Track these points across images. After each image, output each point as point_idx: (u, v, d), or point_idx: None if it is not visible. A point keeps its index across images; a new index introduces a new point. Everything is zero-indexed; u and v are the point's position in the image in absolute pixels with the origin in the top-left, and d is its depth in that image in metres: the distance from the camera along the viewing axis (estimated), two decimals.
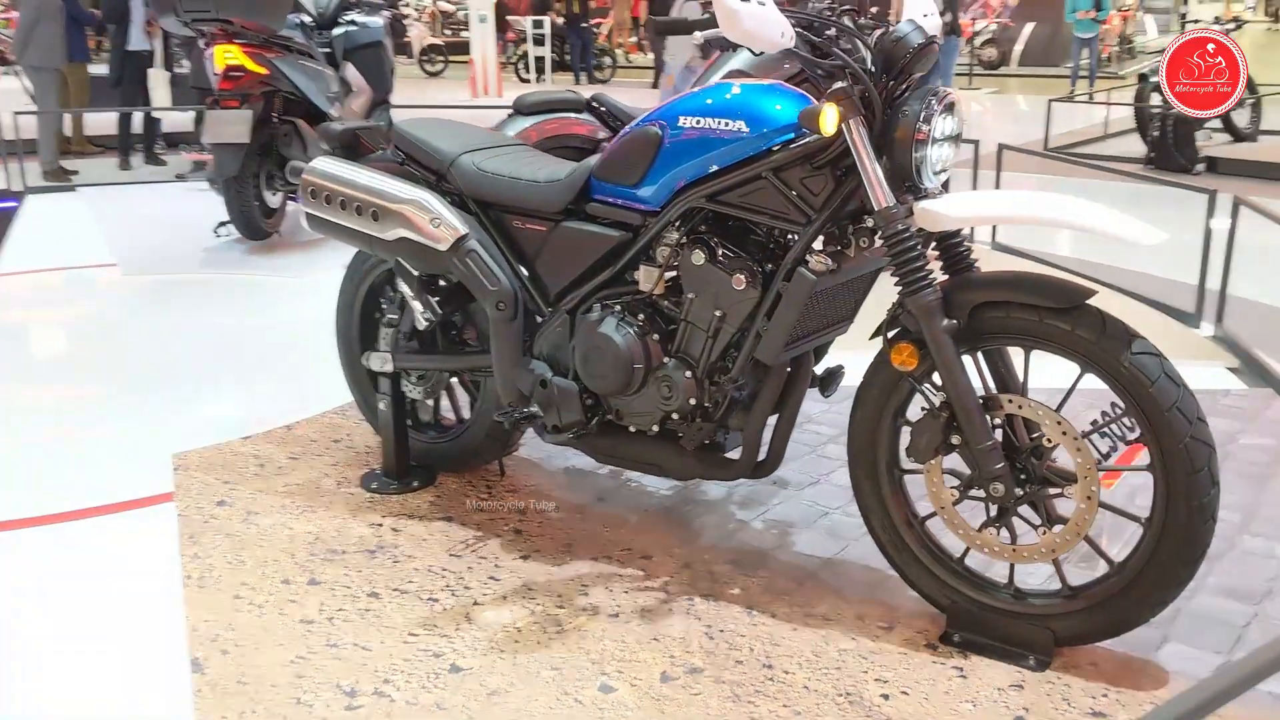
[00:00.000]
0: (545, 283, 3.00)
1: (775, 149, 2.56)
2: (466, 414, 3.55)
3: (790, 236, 2.70)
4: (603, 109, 5.16)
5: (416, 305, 3.12)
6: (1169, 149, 10.39)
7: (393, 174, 3.16)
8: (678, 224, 2.75)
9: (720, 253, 2.68)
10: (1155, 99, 11.43)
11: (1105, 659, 2.50)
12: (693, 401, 2.77)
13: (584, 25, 20.13)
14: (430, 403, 3.56)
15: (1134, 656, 2.51)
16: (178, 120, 10.51)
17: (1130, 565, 2.41)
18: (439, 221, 3.00)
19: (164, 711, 2.38)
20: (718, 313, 2.68)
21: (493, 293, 2.97)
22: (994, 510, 2.54)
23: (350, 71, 7.44)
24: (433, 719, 2.32)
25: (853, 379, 2.83)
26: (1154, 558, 2.36)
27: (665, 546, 3.05)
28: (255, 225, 6.48)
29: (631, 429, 2.92)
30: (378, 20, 7.56)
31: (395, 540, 3.09)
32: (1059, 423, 2.41)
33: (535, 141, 4.73)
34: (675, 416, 2.82)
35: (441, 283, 3.20)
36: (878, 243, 2.57)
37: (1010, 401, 2.47)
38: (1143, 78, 11.98)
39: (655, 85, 18.33)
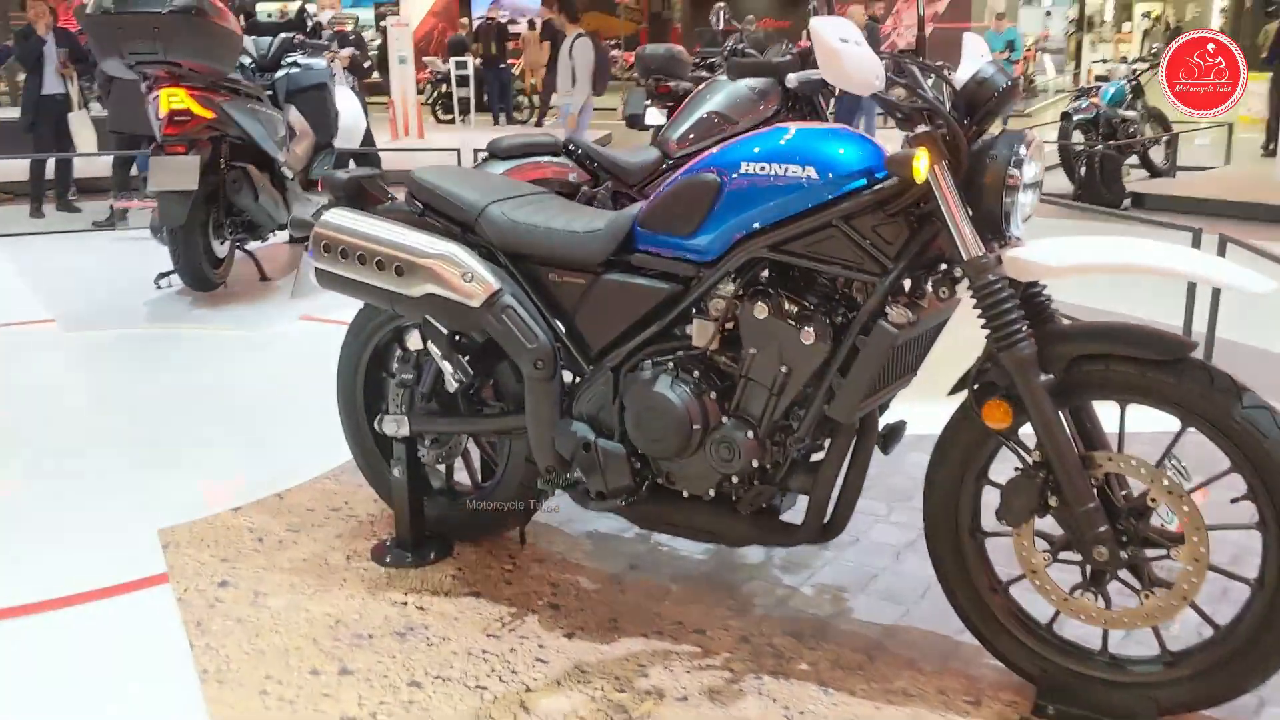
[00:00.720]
0: (585, 339, 2.81)
1: (845, 196, 2.42)
2: (480, 479, 3.34)
3: (855, 287, 2.55)
4: (579, 151, 5.01)
5: (446, 365, 2.90)
6: (1097, 185, 10.55)
7: (412, 226, 2.95)
8: (734, 275, 2.59)
9: (785, 305, 2.52)
10: (1077, 136, 11.68)
11: None
12: (754, 463, 2.60)
13: (501, 66, 19.98)
14: (442, 468, 3.33)
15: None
16: (84, 166, 10.07)
17: (1239, 630, 2.29)
18: (471, 276, 2.80)
19: None
20: (783, 369, 2.52)
21: (531, 350, 2.77)
22: (1089, 574, 2.40)
23: (293, 115, 7.17)
24: None
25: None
26: (1267, 621, 2.24)
27: (717, 618, 2.86)
28: (203, 276, 6.17)
29: (684, 494, 2.73)
30: (322, 62, 7.30)
31: (424, 620, 2.86)
32: (1164, 480, 2.28)
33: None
34: (734, 479, 2.64)
35: (459, 339, 2.99)
36: (958, 292, 2.44)
37: (1110, 459, 2.34)
38: (1065, 116, 12.22)
39: (539, 124, 18.31)
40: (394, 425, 3.10)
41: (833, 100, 5.57)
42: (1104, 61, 16.73)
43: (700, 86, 5.55)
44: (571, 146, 5.00)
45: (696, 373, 2.64)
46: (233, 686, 2.58)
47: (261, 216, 6.32)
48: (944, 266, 2.46)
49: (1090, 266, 2.33)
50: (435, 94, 20.64)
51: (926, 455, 2.56)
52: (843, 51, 2.21)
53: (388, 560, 3.17)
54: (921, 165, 2.25)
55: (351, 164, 8.41)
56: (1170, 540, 2.33)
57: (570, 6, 9.11)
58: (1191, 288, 4.96)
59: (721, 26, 8.61)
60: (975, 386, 2.42)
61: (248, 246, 6.71)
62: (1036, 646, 2.49)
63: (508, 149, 4.87)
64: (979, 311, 2.35)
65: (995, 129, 2.46)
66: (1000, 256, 2.34)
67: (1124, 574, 2.38)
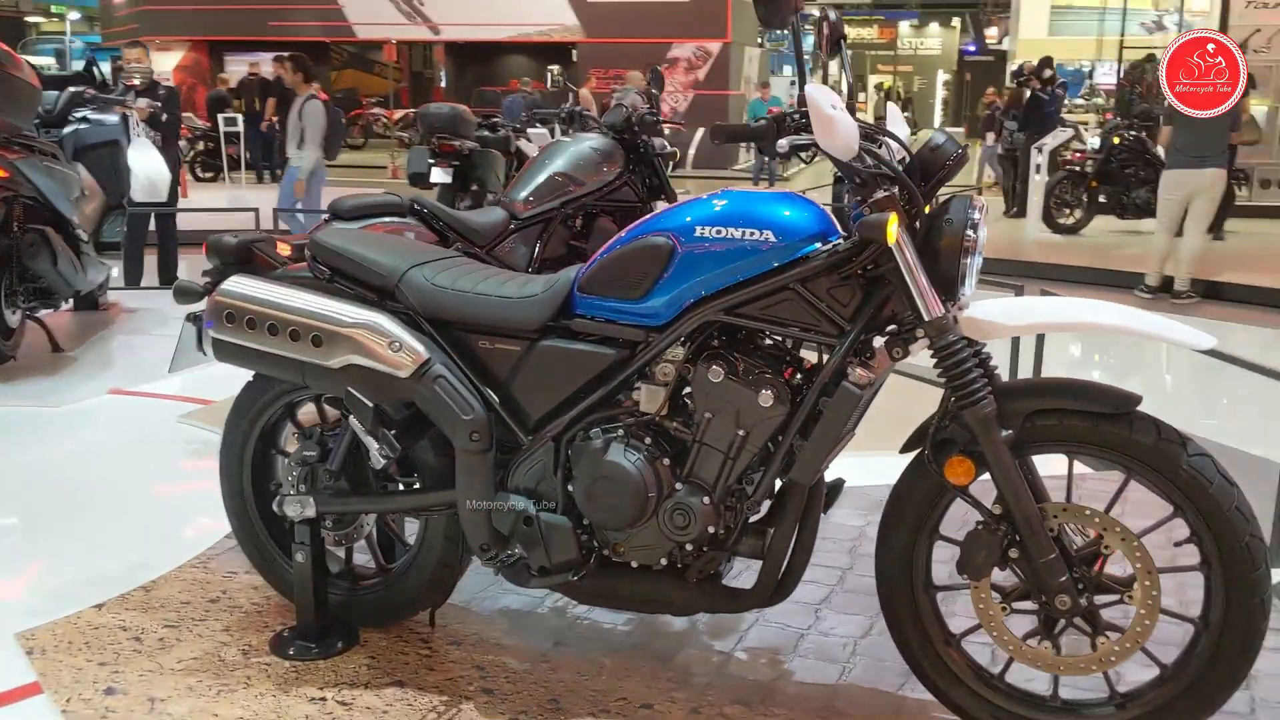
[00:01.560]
0: (522, 408, 2.71)
1: (801, 259, 2.44)
2: (382, 560, 3.16)
3: (802, 349, 2.58)
4: (425, 211, 4.90)
5: (370, 441, 2.73)
6: None
7: (322, 293, 2.78)
8: (685, 340, 2.56)
9: (741, 368, 2.51)
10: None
11: None
12: (710, 529, 2.56)
13: (265, 124, 19.36)
14: (342, 551, 3.13)
15: None
16: None
17: (1186, 669, 2.41)
18: (399, 345, 2.65)
19: None
20: (740, 431, 2.50)
21: (466, 422, 2.64)
22: (1042, 621, 2.48)
23: (82, 174, 6.70)
24: None
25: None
26: (1214, 658, 2.37)
27: (660, 691, 2.79)
28: None
29: (633, 564, 2.66)
30: (113, 118, 6.86)
31: (350, 716, 2.66)
32: (1117, 528, 2.39)
33: None
34: (687, 546, 2.59)
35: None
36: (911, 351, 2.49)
37: (1065, 510, 2.43)
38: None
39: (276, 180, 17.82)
40: (297, 507, 2.89)
41: (671, 164, 5.64)
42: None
43: (545, 147, 5.53)
44: (417, 207, 4.88)
45: (648, 439, 2.59)
46: None
47: (59, 283, 5.84)
48: (893, 327, 2.50)
49: (1043, 326, 2.43)
50: (193, 151, 19.77)
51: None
52: (836, 119, 2.24)
53: (291, 653, 2.94)
54: (894, 229, 2.29)
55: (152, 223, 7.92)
56: (1121, 586, 2.43)
57: (305, 66, 8.91)
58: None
59: (557, 89, 8.60)
60: (933, 444, 2.46)
61: (38, 315, 6.18)
62: (990, 696, 2.54)
63: (352, 209, 4.69)
64: (939, 370, 2.41)
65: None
66: (955, 317, 2.41)
67: (1077, 620, 2.46)
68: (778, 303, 2.47)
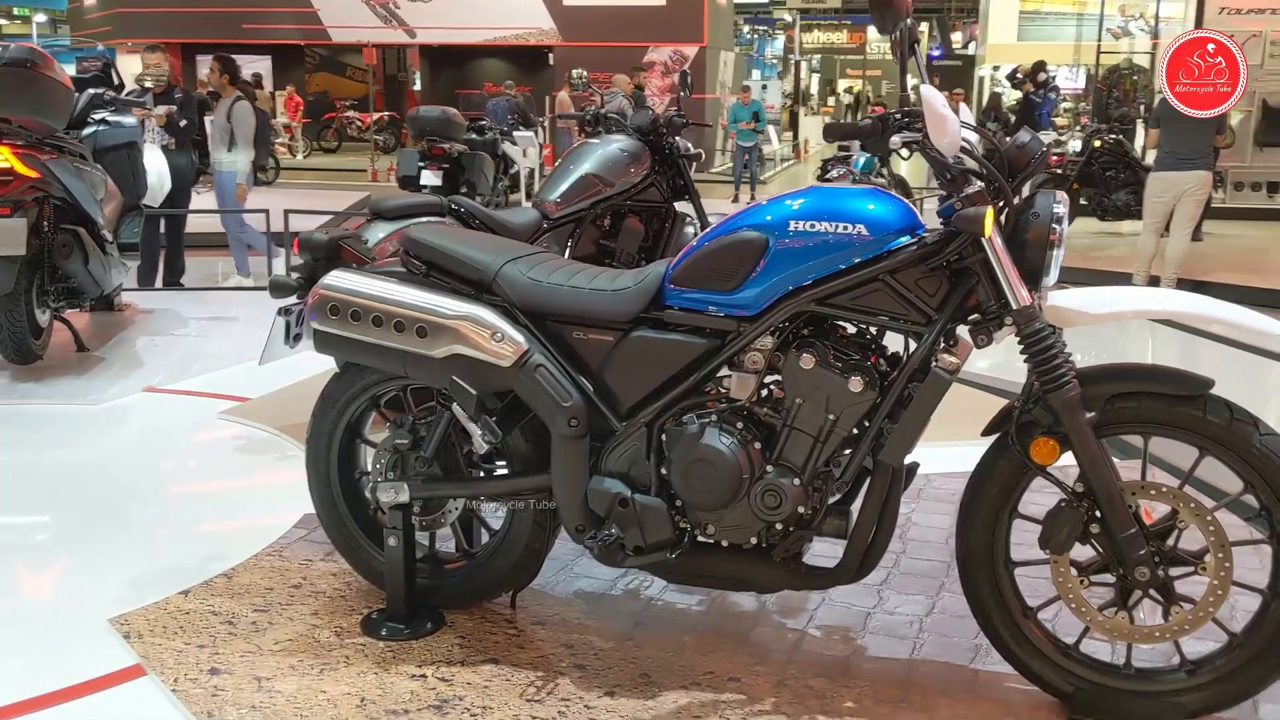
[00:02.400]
0: (616, 395, 2.83)
1: (890, 252, 2.58)
2: (466, 544, 3.27)
3: (884, 336, 2.72)
4: (462, 211, 5.02)
5: (474, 427, 2.84)
6: None
7: (421, 286, 2.89)
8: (775, 329, 2.69)
9: (831, 356, 2.64)
10: None
11: None
12: (800, 509, 2.69)
13: None
14: (426, 537, 3.23)
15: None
16: None
17: (1255, 636, 2.56)
18: (501, 336, 2.77)
19: None
20: (830, 416, 2.64)
21: (565, 409, 2.77)
22: (1119, 593, 2.62)
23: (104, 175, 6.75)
24: None
25: None
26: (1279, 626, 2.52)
27: (744, 666, 2.92)
28: (25, 348, 5.66)
29: (723, 544, 2.79)
30: (131, 119, 6.90)
31: (454, 691, 2.77)
32: (1192, 504, 2.54)
33: None
34: (778, 526, 2.73)
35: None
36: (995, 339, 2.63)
37: (1143, 487, 2.58)
38: (827, 183, 13.02)
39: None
40: (390, 492, 2.99)
41: (693, 164, 5.77)
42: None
43: (572, 147, 5.64)
44: (455, 207, 4.99)
45: (739, 424, 2.72)
46: None
47: (89, 283, 5.90)
48: (976, 316, 2.64)
49: (1123, 314, 2.57)
50: None
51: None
52: (949, 118, 2.38)
53: (384, 634, 3.04)
54: (989, 222, 2.43)
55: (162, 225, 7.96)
56: (1195, 558, 2.58)
57: (231, 68, 8.91)
58: None
59: (584, 90, 8.71)
60: (1017, 426, 2.61)
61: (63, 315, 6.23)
62: (1068, 665, 2.69)
63: (393, 209, 4.81)
64: (1026, 356, 2.55)
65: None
66: (1040, 305, 2.55)
67: (1152, 592, 2.61)
68: (868, 293, 2.61)
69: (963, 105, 3.07)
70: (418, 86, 30.65)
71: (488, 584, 3.13)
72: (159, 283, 8.19)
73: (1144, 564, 2.53)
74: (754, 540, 2.76)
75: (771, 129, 29.53)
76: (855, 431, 2.67)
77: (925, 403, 2.57)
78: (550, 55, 25.84)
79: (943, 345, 2.62)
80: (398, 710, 2.68)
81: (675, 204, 5.69)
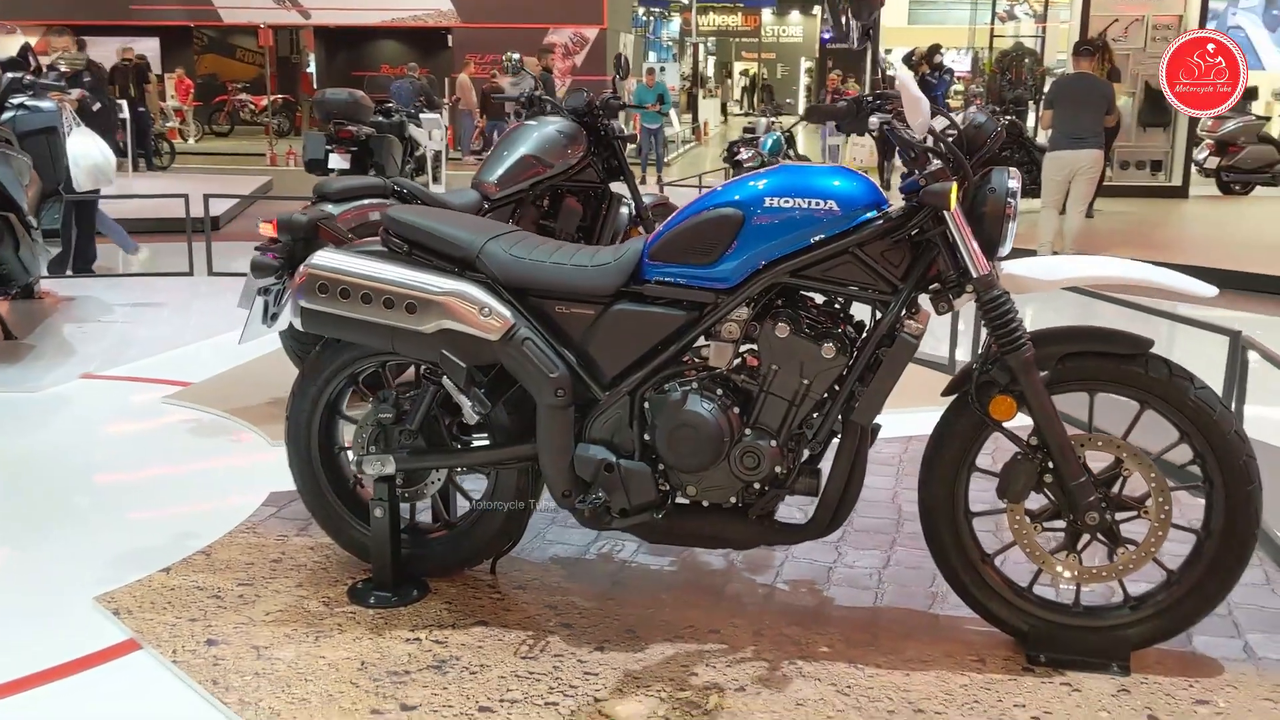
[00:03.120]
0: (598, 366, 2.97)
1: (859, 226, 2.76)
2: (447, 514, 3.38)
3: (851, 306, 2.91)
4: (404, 192, 5.11)
5: (464, 400, 2.96)
6: None
7: (406, 264, 3.00)
8: (751, 301, 2.86)
9: (804, 324, 2.82)
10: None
11: (1162, 657, 2.88)
12: (777, 469, 2.87)
13: (141, 110, 18.89)
14: (406, 507, 3.34)
15: (1177, 650, 2.91)
16: None
17: (1192, 572, 2.82)
18: (489, 311, 2.89)
19: None
20: (805, 381, 2.82)
21: (551, 380, 2.90)
22: (1069, 538, 2.85)
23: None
24: None
25: None
26: (1215, 563, 2.78)
27: (722, 618, 3.09)
28: None
29: (704, 504, 2.96)
30: (50, 104, 6.78)
31: (449, 652, 2.89)
32: (1135, 453, 2.78)
33: (355, 226, 4.63)
34: (756, 486, 2.90)
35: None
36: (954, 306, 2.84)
37: (1090, 439, 2.81)
38: (737, 164, 13.30)
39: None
40: (376, 465, 3.10)
41: (627, 146, 5.90)
42: (748, 114, 18.13)
43: (509, 129, 5.74)
44: (397, 188, 5.07)
45: (719, 391, 2.88)
46: None
47: (18, 270, 5.82)
48: (936, 285, 2.84)
49: (1074, 280, 2.80)
50: None
51: None
52: (922, 100, 2.56)
53: (372, 602, 3.14)
54: (954, 197, 2.63)
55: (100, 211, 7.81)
56: (1138, 503, 2.83)
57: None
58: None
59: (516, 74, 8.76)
60: (977, 386, 2.82)
61: None
62: (1023, 606, 2.92)
63: (338, 191, 4.88)
64: (985, 321, 2.76)
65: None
66: (997, 274, 2.76)
67: (1100, 535, 2.85)
68: (838, 265, 2.79)
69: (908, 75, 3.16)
70: (312, 69, 30.17)
71: (472, 551, 3.25)
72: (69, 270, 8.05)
73: (1093, 509, 2.77)
74: (733, 500, 2.93)
75: (672, 112, 29.84)
76: (826, 395, 2.85)
77: (894, 366, 2.77)
78: (449, 37, 25.70)
79: (908, 313, 2.82)
80: (398, 671, 2.80)
81: (611, 185, 5.82)
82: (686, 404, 2.84)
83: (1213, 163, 15.82)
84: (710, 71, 41.91)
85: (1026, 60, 16.64)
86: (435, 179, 14.78)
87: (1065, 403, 2.82)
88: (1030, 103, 15.34)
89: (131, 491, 4.10)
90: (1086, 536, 2.84)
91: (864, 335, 2.85)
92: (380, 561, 3.17)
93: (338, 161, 13.84)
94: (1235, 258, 9.53)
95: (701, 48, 39.84)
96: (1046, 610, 2.91)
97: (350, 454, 3.26)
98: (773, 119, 15.03)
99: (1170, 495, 2.78)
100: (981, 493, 2.96)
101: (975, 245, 2.71)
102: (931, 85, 14.84)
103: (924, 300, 2.86)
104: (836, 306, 2.95)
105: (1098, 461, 2.86)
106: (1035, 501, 2.88)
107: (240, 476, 4.20)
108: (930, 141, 2.71)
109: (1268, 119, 17.32)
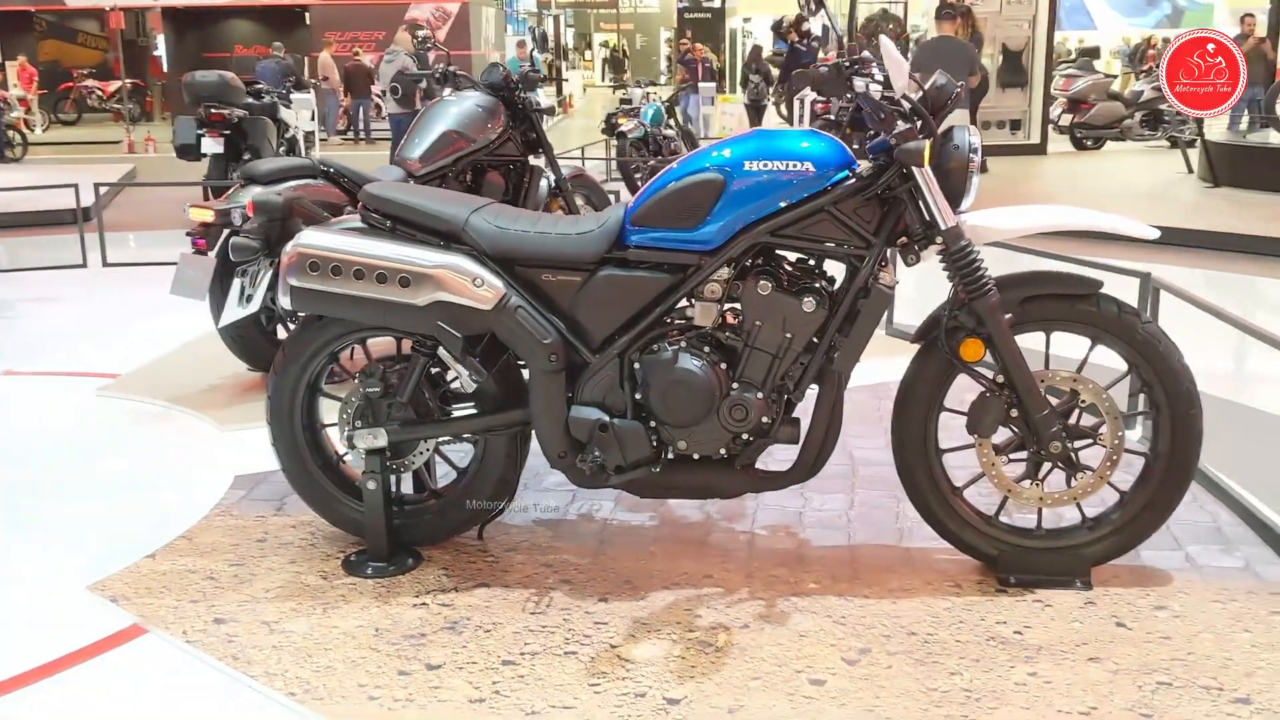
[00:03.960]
0: (587, 331, 3.08)
1: (833, 185, 2.94)
2: (432, 485, 3.46)
3: (823, 262, 3.09)
4: (332, 171, 5.13)
5: (460, 369, 3.04)
6: None
7: (392, 240, 3.06)
8: (732, 261, 3.01)
9: (785, 281, 2.99)
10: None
11: (1118, 572, 3.15)
12: (763, 419, 3.03)
13: None
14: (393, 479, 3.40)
15: (1130, 565, 3.18)
16: None
17: (1143, 491, 3.08)
18: (481, 282, 2.98)
19: None
20: (788, 335, 2.99)
21: (544, 346, 3.01)
22: (1031, 466, 3.09)
23: None
24: None
25: None
26: (1164, 483, 3.05)
27: (712, 565, 3.25)
28: None
29: (695, 457, 3.10)
30: None
31: (458, 614, 2.99)
32: (1090, 386, 3.02)
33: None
34: (745, 436, 3.06)
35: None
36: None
37: (1050, 374, 3.05)
38: (620, 135, 13.39)
39: None
40: (368, 438, 3.16)
41: (544, 119, 5.98)
42: (624, 87, 18.21)
43: (429, 105, 5.75)
44: (324, 168, 5.09)
45: (706, 348, 3.03)
46: (336, 700, 2.60)
47: None
48: (903, 240, 3.04)
49: (1033, 228, 3.02)
50: None
51: None
52: (903, 62, 2.74)
53: (369, 573, 3.21)
54: (927, 154, 2.82)
55: None
56: (1093, 432, 3.08)
57: None
58: None
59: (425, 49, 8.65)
60: (946, 330, 3.02)
61: None
62: (991, 532, 3.15)
63: (267, 173, 4.88)
64: (953, 270, 2.96)
65: None
66: (961, 225, 2.97)
67: (1060, 463, 3.09)
68: (815, 224, 2.96)
69: (888, 42, 3.28)
70: (160, 51, 29.15)
71: (463, 518, 3.34)
72: None
73: (1056, 439, 3.00)
74: (722, 452, 3.09)
75: (541, 93, 29.76)
76: (806, 347, 3.02)
77: (872, 315, 2.95)
78: (306, 15, 25.14)
79: (880, 266, 3.01)
80: (413, 635, 2.89)
81: (530, 158, 5.90)
82: (678, 362, 2.98)
83: (1066, 120, 16.57)
84: (570, 43, 41.85)
85: (891, 25, 17.18)
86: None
87: (1022, 342, 3.05)
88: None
89: (93, 484, 4.04)
90: (1048, 465, 3.08)
91: (842, 288, 3.02)
92: (375, 533, 3.24)
93: (211, 145, 13.47)
94: (1100, 209, 10.05)
95: (561, 20, 39.77)
96: (1012, 535, 3.15)
97: (334, 431, 3.31)
98: (647, 89, 15.20)
99: (1121, 422, 3.04)
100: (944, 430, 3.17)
101: (943, 199, 2.90)
102: (800, 53, 15.17)
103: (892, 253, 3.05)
104: (810, 263, 3.11)
105: (1053, 396, 3.09)
106: (999, 436, 3.11)
107: (199, 463, 4.18)
108: (907, 103, 2.88)
109: (1115, 76, 18.19)
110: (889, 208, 2.98)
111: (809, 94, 13.48)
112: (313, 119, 15.51)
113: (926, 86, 2.95)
